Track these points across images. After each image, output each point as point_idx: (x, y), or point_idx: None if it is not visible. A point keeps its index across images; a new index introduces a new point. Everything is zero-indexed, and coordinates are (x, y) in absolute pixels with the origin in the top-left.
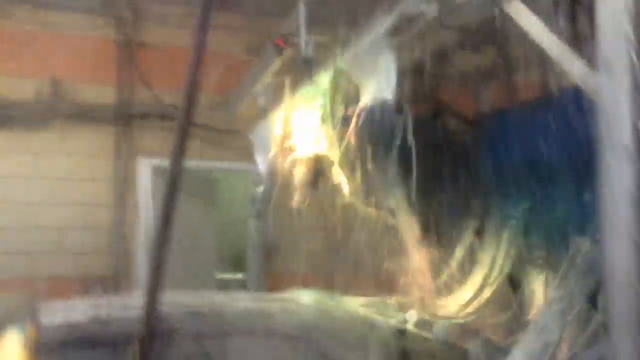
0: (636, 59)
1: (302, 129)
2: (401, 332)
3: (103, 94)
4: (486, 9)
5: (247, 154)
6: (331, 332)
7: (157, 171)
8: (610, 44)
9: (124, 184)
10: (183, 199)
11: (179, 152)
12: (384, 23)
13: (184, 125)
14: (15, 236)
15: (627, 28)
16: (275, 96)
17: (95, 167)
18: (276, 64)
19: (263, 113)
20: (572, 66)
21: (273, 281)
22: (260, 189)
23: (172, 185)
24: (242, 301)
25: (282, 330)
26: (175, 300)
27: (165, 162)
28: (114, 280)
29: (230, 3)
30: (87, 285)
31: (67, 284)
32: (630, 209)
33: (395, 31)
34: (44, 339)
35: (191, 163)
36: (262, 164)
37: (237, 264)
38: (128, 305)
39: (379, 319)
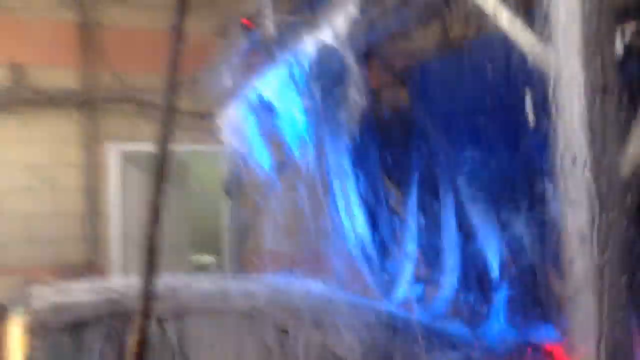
0: (585, 32)
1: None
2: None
3: (65, 78)
4: None
5: (215, 135)
6: (287, 308)
7: (125, 156)
8: (561, 17)
9: (92, 170)
10: (150, 179)
11: (164, 137)
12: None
13: (169, 109)
14: None
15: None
16: (243, 76)
17: (61, 153)
18: (242, 43)
19: (230, 94)
20: (523, 38)
21: (248, 261)
22: (231, 169)
23: (161, 168)
24: (201, 283)
25: (237, 308)
26: (133, 283)
27: (132, 146)
28: (87, 267)
29: None
30: (59, 273)
31: (39, 273)
32: (584, 178)
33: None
34: (35, 322)
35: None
36: (232, 145)
37: (211, 245)
38: (111, 288)
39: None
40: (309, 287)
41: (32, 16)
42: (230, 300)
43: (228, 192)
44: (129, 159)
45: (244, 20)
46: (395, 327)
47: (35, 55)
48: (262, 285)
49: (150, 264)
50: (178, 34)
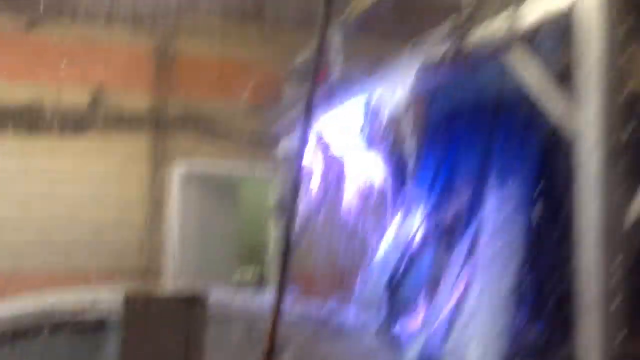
0: (608, 103)
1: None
2: None
3: (139, 100)
4: (495, 53)
5: (272, 161)
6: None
7: (187, 174)
8: (588, 87)
9: (156, 185)
10: (208, 200)
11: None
12: (410, 66)
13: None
14: (56, 229)
15: (601, 77)
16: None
17: (130, 168)
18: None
19: (294, 125)
20: (555, 105)
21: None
22: (285, 193)
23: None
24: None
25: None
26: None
27: (194, 166)
28: (144, 273)
29: (270, 16)
30: (119, 277)
31: (101, 276)
32: (596, 224)
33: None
34: None
35: (218, 167)
36: (290, 171)
37: (257, 262)
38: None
39: None
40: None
41: (112, 43)
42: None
43: (278, 214)
44: (190, 177)
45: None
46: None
47: (112, 79)
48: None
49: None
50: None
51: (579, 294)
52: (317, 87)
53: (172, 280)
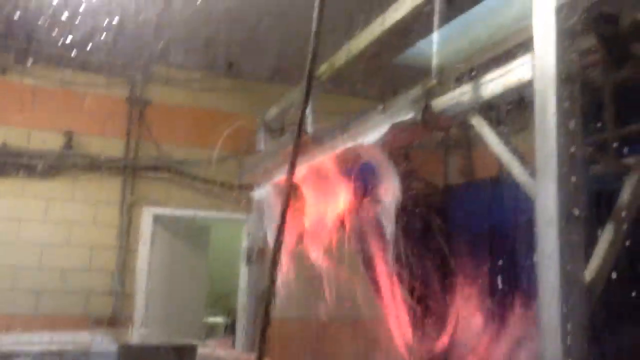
0: (563, 172)
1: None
2: None
3: (112, 147)
4: (458, 118)
5: (243, 205)
6: None
7: (158, 219)
8: (544, 159)
9: (127, 230)
10: (178, 245)
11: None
12: (376, 131)
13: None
14: (23, 275)
15: (557, 146)
16: (280, 164)
17: (100, 213)
18: (284, 138)
19: (269, 175)
20: (517, 172)
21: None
22: (255, 238)
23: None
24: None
25: None
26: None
27: (164, 210)
28: (112, 319)
29: (244, 69)
30: (88, 323)
31: (69, 322)
32: (557, 285)
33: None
34: None
35: (189, 212)
36: (266, 219)
37: (225, 308)
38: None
39: None
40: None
41: (87, 90)
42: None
43: (248, 259)
44: (160, 221)
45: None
46: None
47: (86, 125)
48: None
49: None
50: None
51: (541, 350)
52: (299, 140)
53: (140, 327)
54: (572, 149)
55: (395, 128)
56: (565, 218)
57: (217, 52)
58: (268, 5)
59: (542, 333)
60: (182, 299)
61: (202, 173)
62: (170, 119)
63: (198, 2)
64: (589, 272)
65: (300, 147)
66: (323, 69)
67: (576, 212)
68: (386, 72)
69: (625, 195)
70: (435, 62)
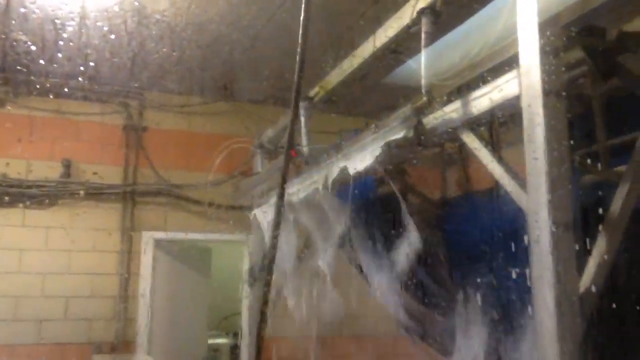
0: (554, 184)
1: None
2: None
3: (110, 173)
4: (450, 135)
5: (243, 226)
6: None
7: (158, 243)
8: (534, 172)
9: (126, 256)
10: (180, 268)
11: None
12: (369, 150)
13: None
14: (25, 304)
15: (546, 159)
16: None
17: (100, 240)
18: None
19: (266, 196)
20: (508, 185)
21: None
22: (256, 258)
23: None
24: None
25: None
26: None
27: (166, 235)
28: (116, 345)
29: (239, 92)
30: (91, 350)
31: (72, 350)
32: (551, 295)
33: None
34: None
35: (189, 236)
36: (265, 237)
37: (230, 329)
38: None
39: None
40: None
41: (85, 119)
42: None
43: (250, 279)
44: (160, 245)
45: (292, 151)
46: None
47: (83, 154)
48: None
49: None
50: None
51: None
52: (289, 161)
53: (143, 352)
54: (561, 162)
55: (389, 146)
56: (557, 230)
57: (211, 76)
58: (261, 29)
59: (538, 346)
60: (186, 322)
61: (201, 196)
62: (167, 144)
63: (189, 32)
64: (583, 283)
65: (289, 164)
66: (316, 89)
67: (567, 223)
68: (378, 90)
69: (616, 204)
70: (424, 80)
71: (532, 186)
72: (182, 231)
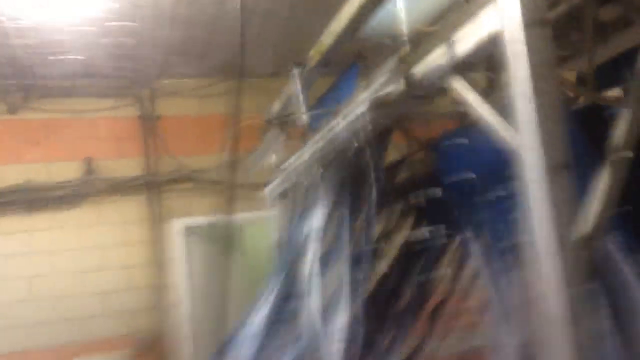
0: (543, 120)
1: None
2: None
3: (130, 166)
4: (440, 82)
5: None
6: None
7: (187, 230)
8: (523, 109)
9: (158, 245)
10: (213, 252)
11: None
12: (361, 102)
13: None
14: (65, 303)
15: (534, 93)
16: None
17: (130, 233)
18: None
19: (275, 169)
20: (499, 127)
21: None
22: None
23: None
24: None
25: None
26: None
27: (194, 221)
28: (158, 336)
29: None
30: (132, 344)
31: (113, 344)
32: (544, 243)
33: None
34: None
35: (217, 218)
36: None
37: None
38: None
39: None
40: None
41: (98, 116)
42: None
43: (278, 253)
44: (190, 232)
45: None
46: None
47: (103, 149)
48: None
49: None
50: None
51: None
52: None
53: (186, 339)
54: (549, 94)
55: (380, 101)
56: (551, 169)
57: (216, 56)
58: (257, 5)
59: (537, 296)
60: (224, 304)
61: (222, 178)
62: (182, 129)
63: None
64: (585, 223)
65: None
66: (311, 53)
67: (562, 161)
68: (373, 47)
69: (619, 131)
70: (404, 28)
71: (521, 125)
72: (210, 214)
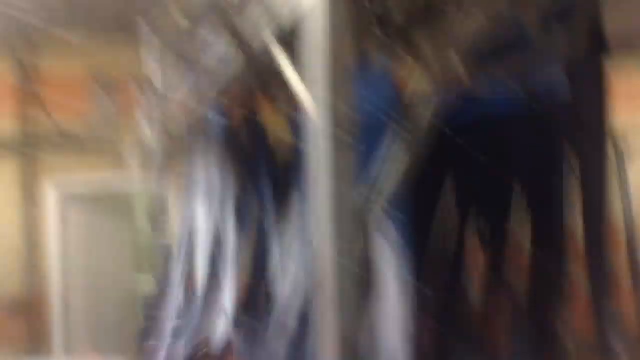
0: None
1: None
2: None
3: (5, 125)
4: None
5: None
6: None
7: (65, 195)
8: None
9: (32, 209)
10: (96, 216)
11: None
12: None
13: None
14: None
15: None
16: None
17: (2, 194)
18: None
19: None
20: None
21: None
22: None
23: None
24: None
25: None
26: None
27: (71, 185)
28: (27, 300)
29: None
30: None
31: None
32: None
33: None
34: None
35: (93, 183)
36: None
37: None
38: None
39: None
40: None
41: None
42: None
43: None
44: (67, 196)
45: None
46: None
47: None
48: None
49: None
50: None
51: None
52: None
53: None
54: (341, 60)
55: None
56: (336, 137)
57: (104, 13)
58: None
59: (315, 266)
60: (105, 270)
61: (98, 139)
62: (60, 88)
63: None
64: (362, 194)
65: None
66: None
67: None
68: None
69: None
70: None
71: (314, 89)
72: (86, 179)
